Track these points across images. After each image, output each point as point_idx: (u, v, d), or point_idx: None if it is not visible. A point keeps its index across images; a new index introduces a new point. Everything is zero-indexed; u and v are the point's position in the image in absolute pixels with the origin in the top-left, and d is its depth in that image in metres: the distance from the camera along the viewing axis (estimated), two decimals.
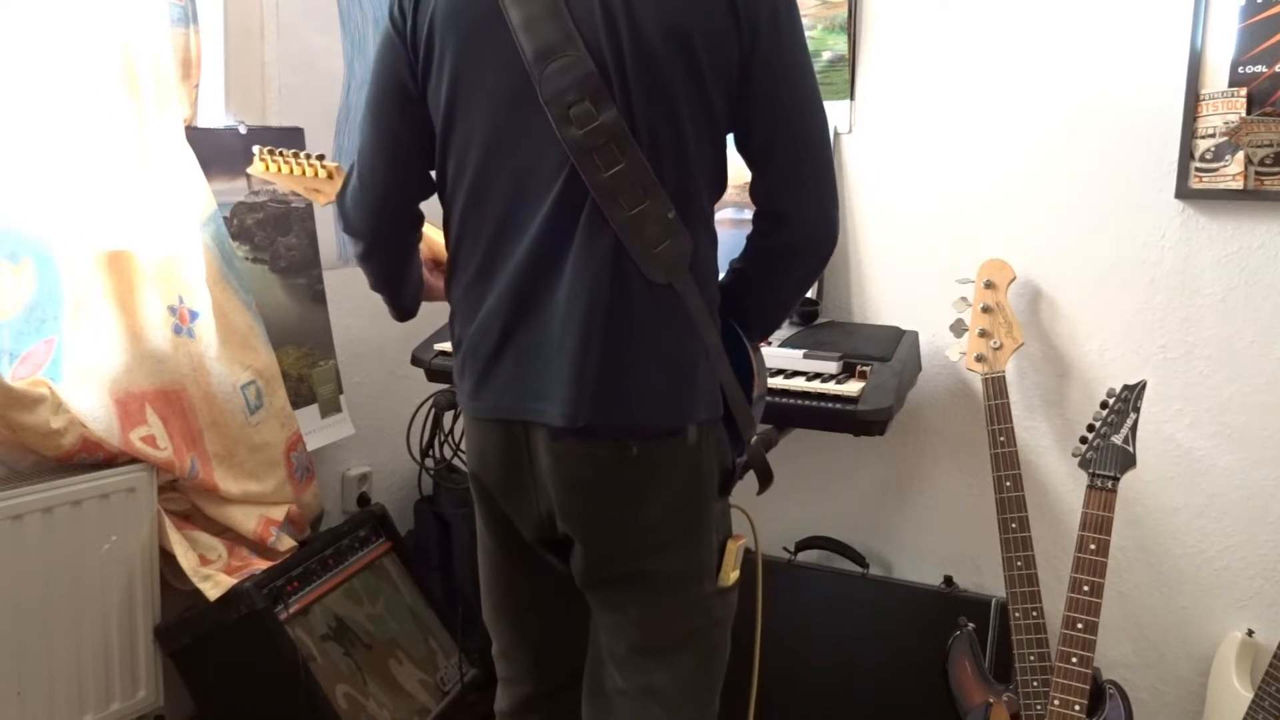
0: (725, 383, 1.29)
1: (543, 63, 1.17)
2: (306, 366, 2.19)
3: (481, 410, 1.29)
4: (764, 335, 1.46)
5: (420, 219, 1.41)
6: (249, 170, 1.61)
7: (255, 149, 1.57)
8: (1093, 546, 1.69)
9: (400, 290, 1.46)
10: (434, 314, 2.22)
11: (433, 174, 1.35)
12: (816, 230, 1.29)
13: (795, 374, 1.87)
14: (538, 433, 1.25)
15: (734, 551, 1.35)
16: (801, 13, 2.19)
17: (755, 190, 1.31)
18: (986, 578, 2.14)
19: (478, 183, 1.26)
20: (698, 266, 1.25)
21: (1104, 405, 1.78)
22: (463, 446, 2.01)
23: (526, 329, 1.24)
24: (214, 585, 1.81)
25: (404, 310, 1.49)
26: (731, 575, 1.35)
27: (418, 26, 1.25)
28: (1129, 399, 1.75)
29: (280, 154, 1.55)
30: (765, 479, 1.48)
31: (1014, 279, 1.93)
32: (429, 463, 2.06)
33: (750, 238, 1.36)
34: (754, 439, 1.41)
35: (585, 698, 1.44)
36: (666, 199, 1.20)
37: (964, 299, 1.96)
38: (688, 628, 1.34)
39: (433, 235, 1.47)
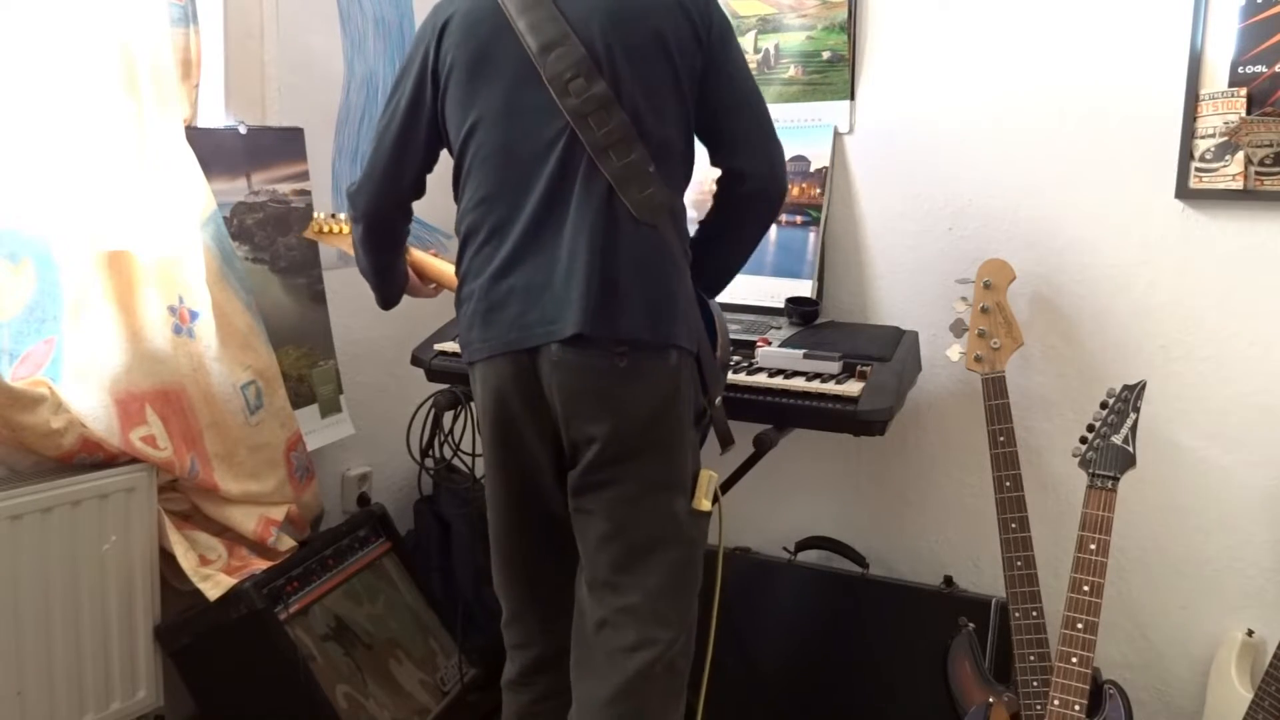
0: (701, 333, 1.54)
1: (545, 53, 1.47)
2: (306, 366, 2.19)
3: (495, 346, 1.50)
4: (716, 290, 1.72)
5: (409, 213, 1.71)
6: (304, 234, 2.01)
7: (317, 214, 1.96)
8: (1093, 546, 1.69)
9: (386, 277, 1.76)
10: (434, 315, 2.22)
11: (427, 177, 1.66)
12: (769, 182, 1.60)
13: (795, 374, 1.87)
14: (542, 354, 1.47)
15: (706, 480, 1.56)
16: (801, 13, 2.22)
17: (716, 159, 1.61)
18: (986, 578, 2.14)
19: (493, 158, 1.51)
20: (675, 217, 1.53)
21: (1104, 405, 1.78)
22: (463, 446, 2.02)
23: (534, 270, 1.48)
24: (214, 585, 1.81)
25: (387, 298, 1.79)
26: (704, 502, 1.56)
27: (441, 51, 1.54)
28: (1129, 399, 1.75)
29: (334, 217, 1.92)
30: (726, 440, 1.66)
31: (1014, 279, 1.93)
32: (429, 463, 2.06)
33: (715, 196, 1.65)
34: (719, 401, 1.62)
35: (573, 649, 1.59)
36: (647, 155, 1.48)
37: (964, 299, 1.96)
38: (662, 535, 1.51)
39: (417, 255, 1.84)
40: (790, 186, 2.23)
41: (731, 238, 1.67)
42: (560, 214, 1.47)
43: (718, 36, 1.55)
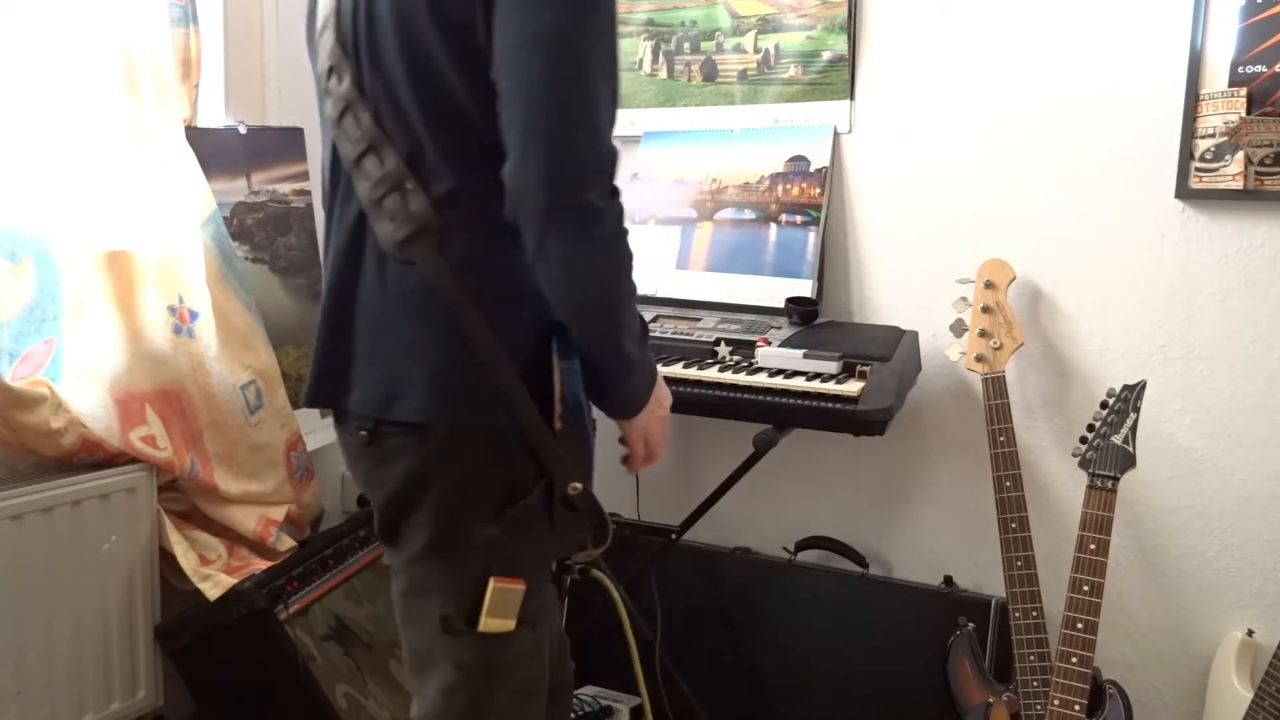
0: (513, 397, 1.14)
1: (314, 41, 1.23)
2: (306, 366, 2.19)
3: None
4: (590, 350, 1.18)
5: None
6: None
7: None
8: (1093, 546, 1.69)
9: None
10: None
11: None
12: (523, 193, 1.07)
13: (795, 374, 1.87)
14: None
15: (498, 593, 1.16)
16: (801, 13, 2.18)
17: None
18: (986, 578, 2.14)
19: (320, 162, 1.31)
20: (452, 250, 1.14)
21: (1104, 405, 1.78)
22: None
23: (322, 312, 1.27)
24: (214, 585, 1.81)
25: None
26: (492, 623, 1.17)
27: None
28: (1129, 399, 1.75)
29: None
30: (599, 539, 1.23)
31: (1014, 279, 1.93)
32: None
33: None
34: (576, 487, 1.17)
35: None
36: (403, 168, 1.15)
37: (964, 299, 1.96)
38: (430, 649, 1.22)
39: None
40: (790, 187, 2.23)
41: (541, 275, 1.12)
42: (330, 246, 1.24)
43: None
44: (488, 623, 1.16)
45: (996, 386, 1.87)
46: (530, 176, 1.06)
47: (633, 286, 1.18)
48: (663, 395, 1.31)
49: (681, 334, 2.03)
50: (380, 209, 1.14)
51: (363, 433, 1.19)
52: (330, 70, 1.18)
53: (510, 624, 1.18)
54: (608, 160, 1.10)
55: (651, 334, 2.03)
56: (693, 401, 1.84)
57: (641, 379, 1.24)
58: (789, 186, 2.24)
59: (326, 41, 1.19)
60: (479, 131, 1.11)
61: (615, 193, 1.11)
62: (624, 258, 1.15)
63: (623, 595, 1.39)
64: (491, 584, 1.16)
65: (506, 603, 1.17)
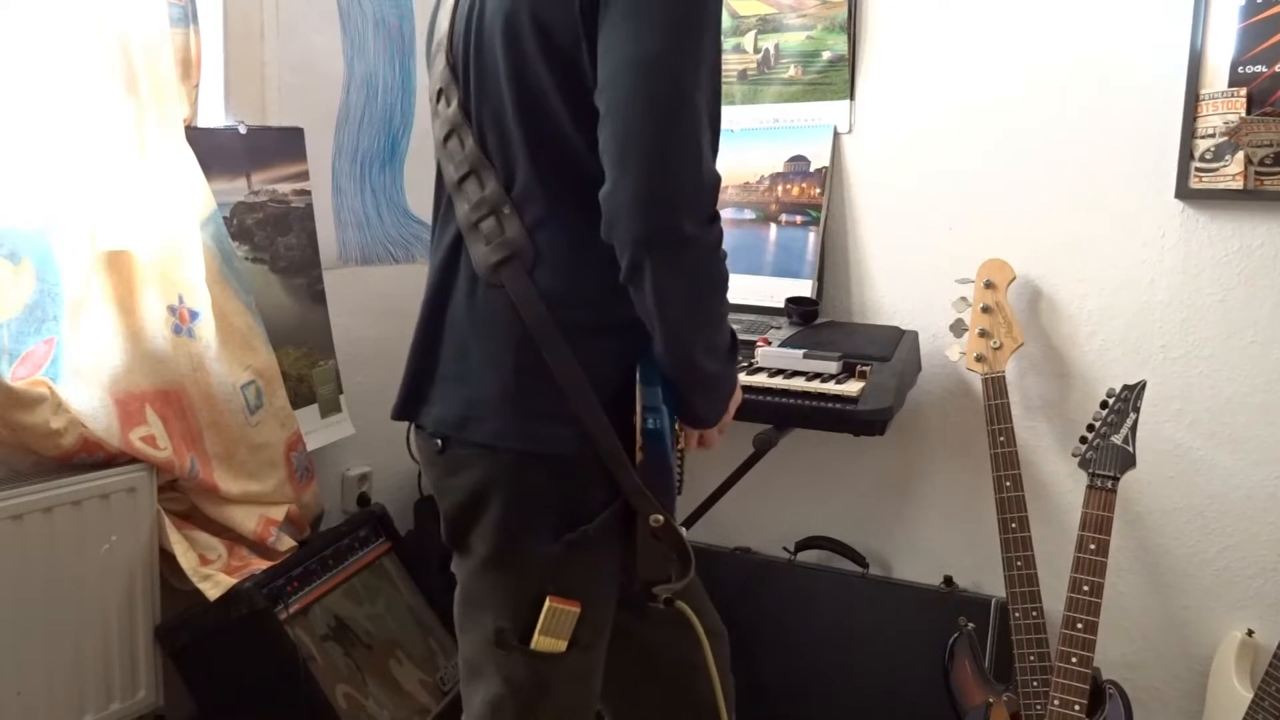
0: (592, 428, 1.15)
1: (431, 58, 1.25)
2: (306, 366, 2.19)
3: None
4: (670, 365, 1.17)
5: None
6: None
7: None
8: (1093, 546, 1.69)
9: None
10: None
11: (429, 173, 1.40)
12: (617, 217, 1.06)
13: (795, 374, 1.87)
14: None
15: (553, 614, 1.18)
16: (801, 13, 2.18)
17: None
18: (986, 578, 2.14)
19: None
20: (543, 277, 1.15)
21: (1104, 405, 1.78)
22: None
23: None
24: (214, 585, 1.81)
25: None
26: (544, 641, 1.18)
27: None
28: (1129, 399, 1.75)
29: None
30: (683, 568, 1.20)
31: (1014, 279, 1.93)
32: None
33: None
34: (658, 519, 1.16)
35: None
36: (502, 193, 1.17)
37: (964, 299, 1.96)
38: (480, 660, 1.25)
39: None
40: (790, 187, 2.23)
41: (633, 296, 1.13)
42: (429, 265, 1.29)
43: None
44: (540, 641, 1.18)
45: (996, 386, 1.87)
46: (625, 202, 1.05)
47: (726, 307, 1.22)
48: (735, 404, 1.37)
49: None
50: (477, 232, 1.17)
51: (437, 441, 1.22)
52: (440, 93, 1.21)
53: (562, 645, 1.19)
54: (707, 187, 1.08)
55: None
56: None
57: (719, 394, 1.29)
58: (789, 186, 2.24)
59: (438, 64, 1.21)
60: (579, 159, 1.12)
61: (714, 218, 1.10)
62: (718, 282, 1.16)
63: (712, 626, 1.36)
64: (547, 603, 1.18)
65: (560, 623, 1.18)
